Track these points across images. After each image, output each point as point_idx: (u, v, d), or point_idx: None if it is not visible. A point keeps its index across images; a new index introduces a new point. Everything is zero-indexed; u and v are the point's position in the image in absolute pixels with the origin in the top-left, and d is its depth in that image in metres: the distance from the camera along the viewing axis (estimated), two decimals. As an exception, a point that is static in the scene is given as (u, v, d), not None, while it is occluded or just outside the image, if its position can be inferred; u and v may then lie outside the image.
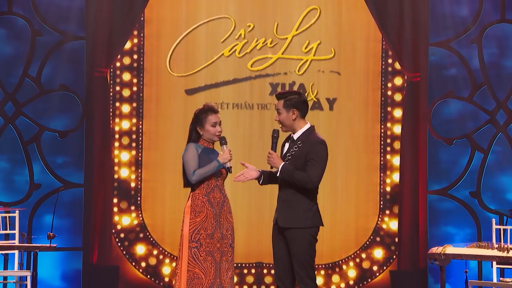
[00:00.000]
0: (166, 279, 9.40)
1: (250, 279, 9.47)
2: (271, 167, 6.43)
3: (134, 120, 9.48)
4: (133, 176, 9.45)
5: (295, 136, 6.39)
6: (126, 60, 9.49)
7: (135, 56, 9.49)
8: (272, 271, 9.08)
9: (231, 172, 6.70)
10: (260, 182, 6.52)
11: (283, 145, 6.49)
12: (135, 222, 9.44)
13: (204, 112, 6.73)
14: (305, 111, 6.41)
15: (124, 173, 9.45)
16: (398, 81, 9.57)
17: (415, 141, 9.34)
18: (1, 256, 8.97)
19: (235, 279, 9.41)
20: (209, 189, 6.65)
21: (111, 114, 9.37)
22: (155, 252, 9.42)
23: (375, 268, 9.49)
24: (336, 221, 9.46)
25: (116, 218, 9.40)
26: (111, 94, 9.39)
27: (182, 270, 6.58)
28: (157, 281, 9.39)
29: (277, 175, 6.33)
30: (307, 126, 6.40)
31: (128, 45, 9.44)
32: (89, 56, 9.27)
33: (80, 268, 9.27)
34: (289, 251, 6.34)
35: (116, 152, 9.44)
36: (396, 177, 9.47)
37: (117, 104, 9.46)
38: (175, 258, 9.33)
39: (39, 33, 9.37)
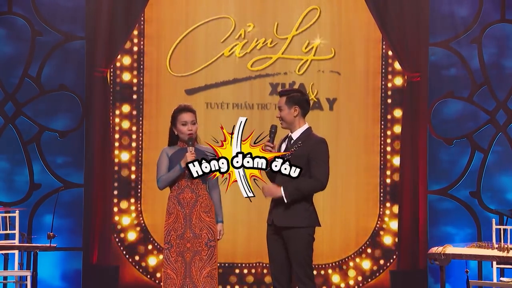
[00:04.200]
0: (166, 279, 9.40)
1: (250, 279, 9.47)
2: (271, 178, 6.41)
3: (134, 120, 9.48)
4: (133, 176, 9.45)
5: (294, 136, 6.39)
6: (126, 60, 9.49)
7: (135, 56, 9.49)
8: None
9: (194, 176, 6.54)
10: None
11: (280, 146, 6.49)
12: (135, 222, 9.44)
13: (178, 111, 6.74)
14: (306, 110, 6.43)
15: (124, 173, 9.45)
16: (398, 81, 9.57)
17: (415, 141, 9.34)
18: (1, 256, 8.97)
19: (235, 279, 9.42)
20: (180, 190, 6.68)
21: (111, 114, 9.37)
22: (155, 252, 9.42)
23: (375, 268, 9.49)
24: (336, 221, 9.46)
25: (116, 218, 9.41)
26: (111, 94, 9.40)
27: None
28: (157, 281, 9.39)
29: (286, 201, 6.26)
30: (306, 126, 6.43)
31: (128, 45, 9.44)
32: (89, 56, 9.27)
33: (80, 268, 9.28)
34: (286, 250, 6.34)
35: (116, 152, 9.44)
36: (396, 177, 9.47)
37: (117, 104, 9.46)
38: (175, 258, 9.35)
39: (39, 33, 9.37)
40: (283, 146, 6.45)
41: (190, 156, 6.56)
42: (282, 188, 6.25)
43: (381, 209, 9.52)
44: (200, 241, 6.64)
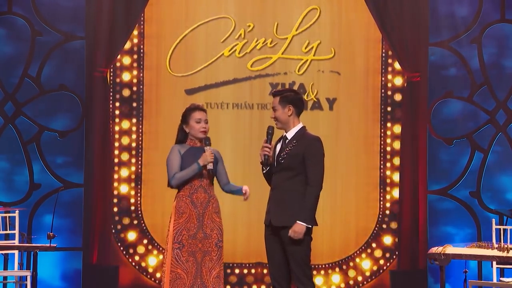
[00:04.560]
0: (166, 279, 9.40)
1: (250, 279, 9.47)
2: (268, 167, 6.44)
3: (134, 120, 9.48)
4: (133, 177, 9.45)
5: (289, 135, 6.41)
6: (126, 60, 9.49)
7: (135, 56, 9.49)
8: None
9: (213, 174, 6.67)
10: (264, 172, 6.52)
11: (275, 147, 6.50)
12: (135, 222, 9.44)
13: (190, 110, 6.77)
14: (300, 109, 6.44)
15: (124, 173, 9.45)
16: (398, 81, 9.57)
17: (415, 141, 9.34)
18: (1, 256, 8.97)
19: (235, 279, 9.42)
20: (193, 190, 6.67)
21: (111, 114, 9.37)
22: (155, 252, 9.42)
23: (375, 268, 9.49)
24: (336, 221, 9.46)
25: (116, 218, 9.40)
26: (111, 94, 9.40)
27: (166, 271, 6.62)
28: (156, 281, 9.39)
29: (311, 226, 6.28)
30: (300, 125, 6.44)
31: (128, 45, 9.44)
32: (89, 56, 9.27)
33: (80, 268, 9.28)
34: (284, 250, 6.34)
35: (116, 152, 9.44)
36: (396, 177, 9.47)
37: (117, 104, 9.46)
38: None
39: (39, 33, 9.37)
40: (278, 147, 6.46)
41: (210, 156, 6.60)
42: (298, 221, 6.24)
43: (381, 209, 9.52)
44: (210, 241, 6.66)
